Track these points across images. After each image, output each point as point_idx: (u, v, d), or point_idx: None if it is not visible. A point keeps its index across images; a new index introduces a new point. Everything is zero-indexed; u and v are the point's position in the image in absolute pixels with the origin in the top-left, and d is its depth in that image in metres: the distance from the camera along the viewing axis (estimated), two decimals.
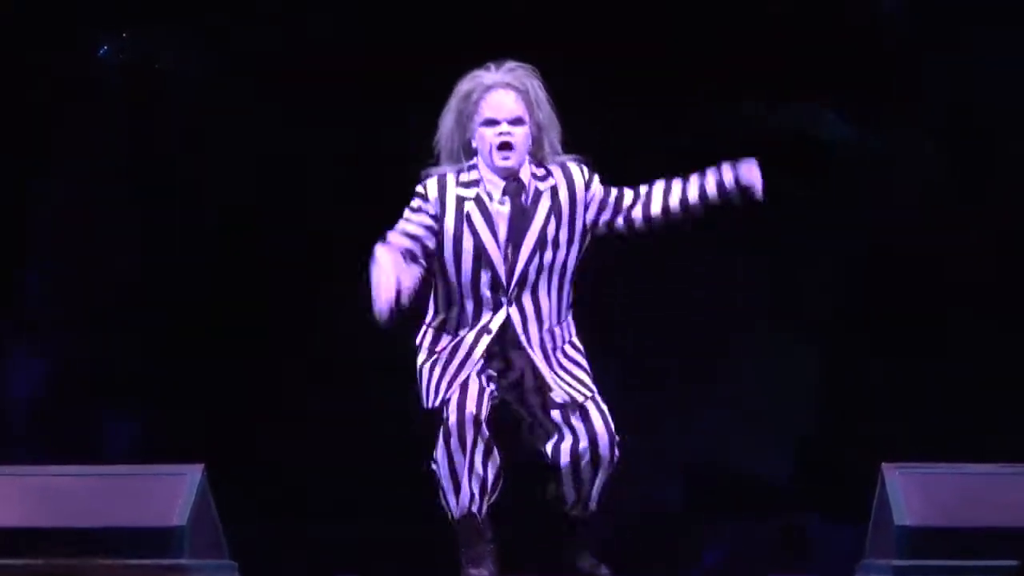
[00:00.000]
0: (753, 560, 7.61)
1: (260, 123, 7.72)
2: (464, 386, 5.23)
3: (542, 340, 5.30)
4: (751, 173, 5.24)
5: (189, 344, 7.70)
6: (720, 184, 5.29)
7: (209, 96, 7.79)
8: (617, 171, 7.00)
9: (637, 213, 5.35)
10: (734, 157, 6.99)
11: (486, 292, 5.23)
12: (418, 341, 5.36)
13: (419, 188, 5.27)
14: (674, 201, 5.32)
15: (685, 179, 5.35)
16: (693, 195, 5.31)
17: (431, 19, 7.48)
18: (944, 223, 7.73)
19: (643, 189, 5.37)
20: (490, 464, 5.22)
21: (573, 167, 5.32)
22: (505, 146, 5.19)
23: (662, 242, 7.06)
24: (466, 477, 5.18)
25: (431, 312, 5.36)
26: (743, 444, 7.80)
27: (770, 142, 7.60)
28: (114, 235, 7.83)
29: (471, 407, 5.17)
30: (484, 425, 5.18)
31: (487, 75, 5.23)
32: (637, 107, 7.58)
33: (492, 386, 5.30)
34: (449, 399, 5.20)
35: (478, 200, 5.24)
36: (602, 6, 7.56)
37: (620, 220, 5.35)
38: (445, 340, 5.29)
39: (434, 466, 5.26)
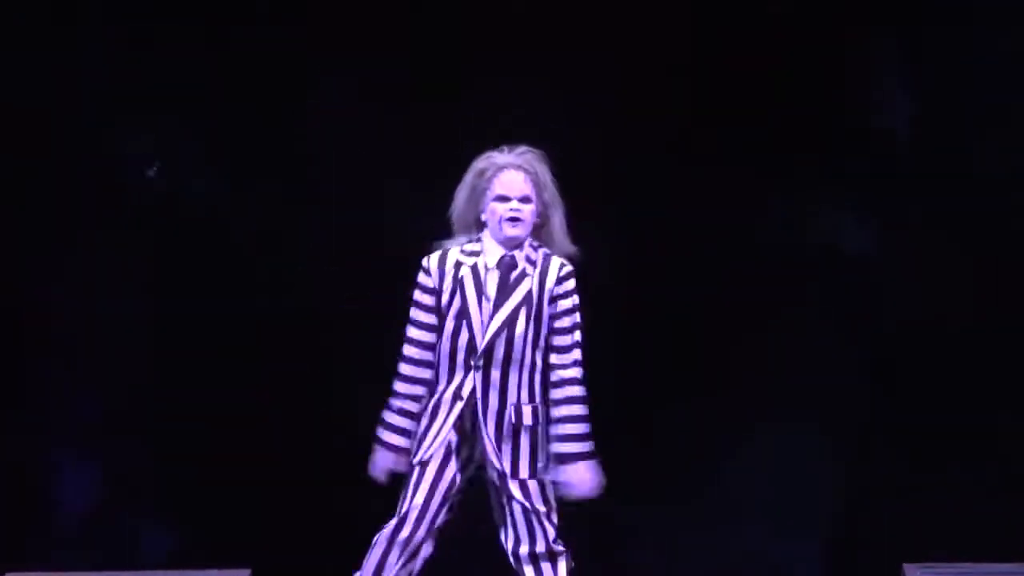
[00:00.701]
0: None
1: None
2: (430, 496, 5.59)
3: (500, 414, 5.59)
4: (574, 477, 5.62)
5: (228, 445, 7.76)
6: (554, 447, 5.65)
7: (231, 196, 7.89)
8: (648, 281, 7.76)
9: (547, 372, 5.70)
10: (764, 268, 7.83)
11: (462, 353, 5.58)
12: None
13: (423, 262, 5.68)
14: (551, 407, 5.66)
15: (571, 403, 5.66)
16: (553, 422, 5.68)
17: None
18: (960, 317, 7.76)
19: (559, 369, 5.69)
20: (417, 563, 5.64)
21: (554, 261, 5.69)
22: (513, 219, 5.57)
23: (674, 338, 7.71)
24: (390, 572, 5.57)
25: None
26: (760, 541, 7.82)
27: (799, 253, 7.88)
28: (151, 346, 7.90)
29: (422, 531, 5.58)
30: (430, 543, 5.63)
31: (500, 156, 5.63)
32: (666, 221, 7.81)
33: (455, 492, 5.64)
34: (410, 508, 5.57)
35: (474, 268, 5.61)
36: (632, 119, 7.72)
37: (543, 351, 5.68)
38: (434, 397, 5.63)
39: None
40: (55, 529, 7.87)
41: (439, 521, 5.58)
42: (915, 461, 7.68)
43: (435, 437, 5.59)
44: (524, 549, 5.64)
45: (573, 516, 5.83)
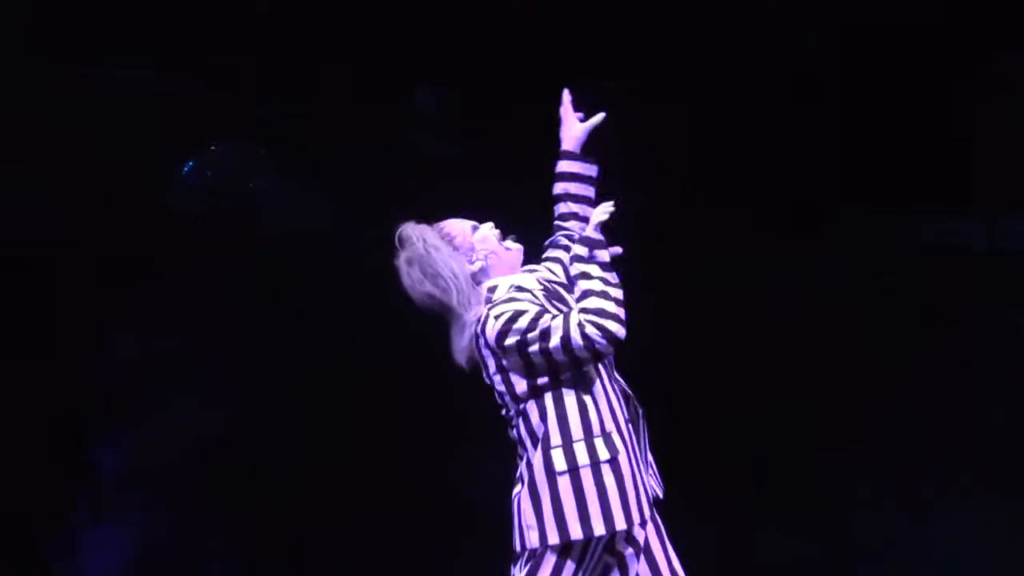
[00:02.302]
0: None
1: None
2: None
3: (637, 421, 5.31)
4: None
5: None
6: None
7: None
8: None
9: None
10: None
11: (606, 374, 5.12)
12: (562, 465, 5.00)
13: (524, 292, 5.10)
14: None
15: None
16: None
17: None
18: None
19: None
20: None
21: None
22: (503, 233, 5.29)
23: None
24: None
25: (564, 431, 5.03)
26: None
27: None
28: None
29: None
30: None
31: (411, 227, 5.19)
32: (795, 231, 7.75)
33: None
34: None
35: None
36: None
37: None
38: (605, 448, 4.99)
39: None
40: None
41: None
42: None
43: (635, 498, 4.97)
44: None
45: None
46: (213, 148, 7.70)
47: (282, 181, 7.70)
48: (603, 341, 4.82)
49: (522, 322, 4.89)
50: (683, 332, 7.32)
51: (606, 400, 5.02)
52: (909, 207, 7.72)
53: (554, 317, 4.91)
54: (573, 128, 5.34)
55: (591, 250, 4.97)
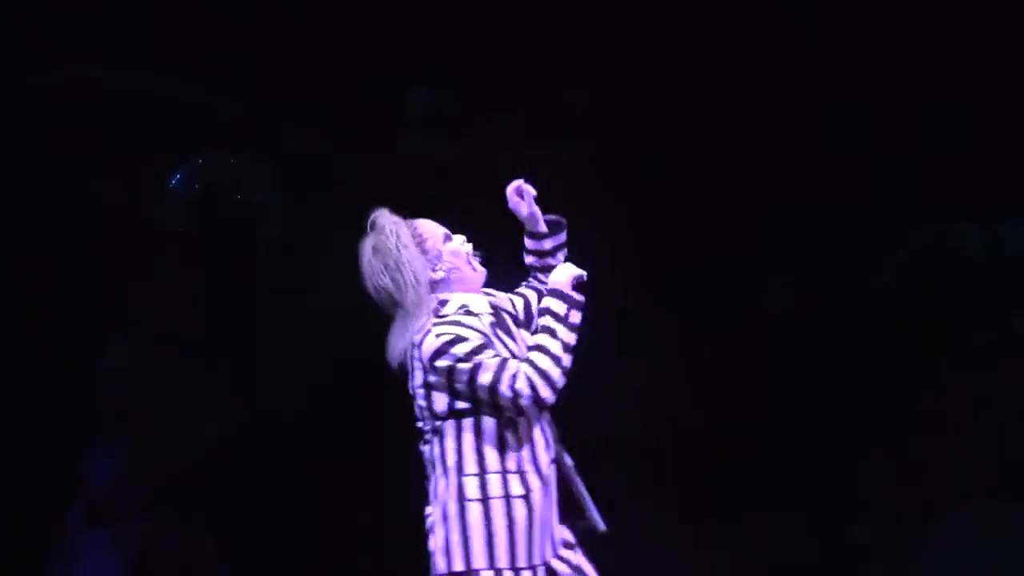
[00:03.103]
0: None
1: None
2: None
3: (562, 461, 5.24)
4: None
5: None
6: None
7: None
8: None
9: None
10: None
11: (542, 415, 5.02)
12: (474, 493, 4.95)
13: (472, 317, 4.98)
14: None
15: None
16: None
17: None
18: None
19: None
20: None
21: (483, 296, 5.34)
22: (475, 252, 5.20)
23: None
24: None
25: (480, 460, 4.97)
26: None
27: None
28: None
29: None
30: None
31: (386, 216, 5.11)
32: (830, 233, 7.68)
33: None
34: None
35: (491, 326, 5.03)
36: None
37: None
38: (519, 484, 4.92)
39: None
40: None
41: None
42: None
43: (539, 539, 4.91)
44: None
45: None
46: (200, 161, 7.62)
47: (278, 184, 7.68)
48: (528, 399, 4.79)
49: (460, 349, 4.83)
50: (683, 332, 7.31)
51: (529, 438, 4.95)
52: (909, 208, 7.65)
53: (494, 356, 4.84)
54: (524, 213, 5.22)
55: (569, 309, 4.92)
